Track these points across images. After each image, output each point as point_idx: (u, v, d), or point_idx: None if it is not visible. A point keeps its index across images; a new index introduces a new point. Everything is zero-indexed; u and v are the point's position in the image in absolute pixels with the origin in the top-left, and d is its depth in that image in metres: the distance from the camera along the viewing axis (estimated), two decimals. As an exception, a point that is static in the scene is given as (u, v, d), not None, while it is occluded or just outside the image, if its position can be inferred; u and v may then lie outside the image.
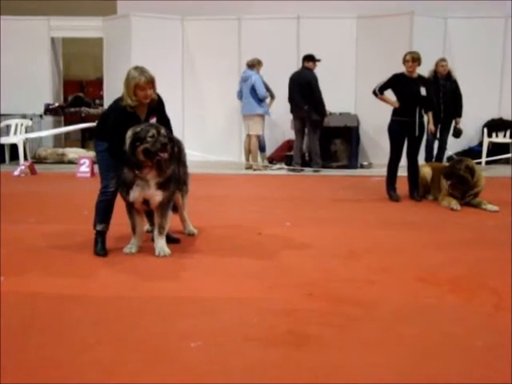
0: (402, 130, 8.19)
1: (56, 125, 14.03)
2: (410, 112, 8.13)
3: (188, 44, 13.02)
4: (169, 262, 5.21)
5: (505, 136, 12.46)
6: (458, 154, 11.73)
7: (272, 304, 4.13)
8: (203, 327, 3.70)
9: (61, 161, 12.60)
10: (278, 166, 12.15)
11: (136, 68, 5.29)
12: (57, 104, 13.85)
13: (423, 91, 8.18)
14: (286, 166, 11.90)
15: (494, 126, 12.51)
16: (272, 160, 12.48)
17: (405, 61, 8.18)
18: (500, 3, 12.28)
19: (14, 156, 12.31)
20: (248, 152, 11.83)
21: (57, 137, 14.14)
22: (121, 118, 5.24)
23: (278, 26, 12.62)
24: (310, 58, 11.28)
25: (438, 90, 10.18)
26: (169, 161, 5.28)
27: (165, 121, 5.44)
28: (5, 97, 13.29)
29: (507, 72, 12.33)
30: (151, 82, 5.22)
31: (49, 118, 13.76)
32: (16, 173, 10.75)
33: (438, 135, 10.54)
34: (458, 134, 10.94)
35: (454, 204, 7.62)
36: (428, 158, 10.80)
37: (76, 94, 14.89)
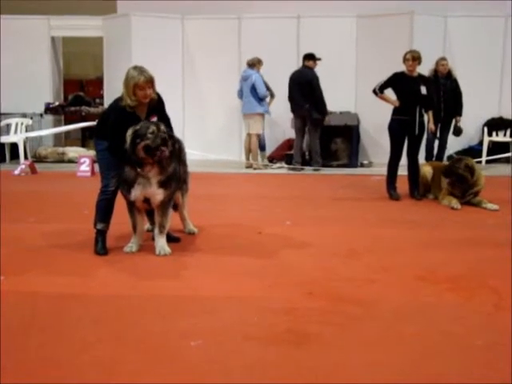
0: (402, 129, 8.19)
1: (56, 124, 14.03)
2: (410, 111, 8.13)
3: (188, 43, 13.02)
4: (169, 261, 5.21)
5: (505, 135, 12.45)
6: (458, 152, 11.74)
7: (272, 303, 4.13)
8: (203, 326, 3.71)
9: (61, 160, 12.60)
10: (278, 164, 12.15)
11: (135, 68, 5.29)
12: (57, 103, 13.85)
13: (423, 90, 8.18)
14: (286, 165, 11.90)
15: (494, 124, 12.50)
16: (272, 159, 12.48)
17: (405, 60, 8.18)
18: (500, 2, 12.27)
19: (15, 155, 12.31)
20: (248, 151, 11.83)
21: (57, 136, 14.13)
22: (121, 117, 5.24)
23: (278, 26, 12.61)
24: (310, 57, 11.28)
25: (438, 88, 10.18)
26: (169, 158, 5.28)
27: (165, 120, 5.45)
28: (5, 96, 13.29)
29: (507, 71, 12.32)
30: (150, 82, 5.22)
31: (49, 117, 13.76)
32: (16, 172, 10.75)
33: (438, 134, 10.54)
34: (458, 132, 10.94)
35: (455, 203, 7.62)
36: (428, 157, 10.80)
37: (76, 93, 14.88)
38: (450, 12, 12.26)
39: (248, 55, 11.82)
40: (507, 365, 3.18)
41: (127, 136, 5.14)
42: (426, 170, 8.43)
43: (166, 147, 5.17)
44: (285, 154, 12.26)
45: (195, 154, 10.88)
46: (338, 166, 11.84)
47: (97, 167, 5.97)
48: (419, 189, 8.34)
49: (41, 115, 13.45)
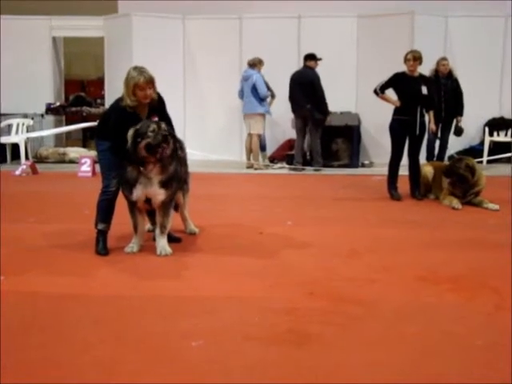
0: (403, 129, 8.19)
1: (57, 124, 14.02)
2: (411, 111, 8.13)
3: (189, 43, 13.01)
4: (170, 261, 5.21)
5: (506, 135, 12.44)
6: (459, 152, 11.72)
7: (273, 303, 4.13)
8: (204, 326, 3.71)
9: (62, 160, 12.59)
10: (279, 165, 12.14)
11: (135, 68, 5.29)
12: (58, 103, 13.85)
13: (424, 90, 8.18)
14: (287, 165, 11.89)
15: (496, 124, 12.48)
16: (273, 159, 12.48)
17: (406, 60, 8.18)
18: (500, 2, 12.25)
19: (16, 155, 12.31)
20: (249, 151, 11.83)
21: (58, 136, 14.13)
22: (121, 117, 5.25)
23: (279, 25, 12.60)
24: (311, 57, 11.28)
25: (439, 88, 10.17)
26: (170, 157, 5.29)
27: (166, 120, 5.44)
28: (6, 96, 13.29)
29: (508, 71, 12.30)
30: (151, 82, 5.22)
31: (50, 118, 13.76)
32: (17, 172, 10.76)
33: (439, 134, 10.53)
34: (459, 132, 10.93)
35: (456, 203, 7.61)
36: (429, 157, 10.79)
37: (77, 93, 14.89)
38: (451, 12, 12.25)
39: (249, 55, 11.82)
40: (507, 365, 3.18)
41: (128, 136, 5.14)
42: (427, 170, 8.43)
43: (167, 144, 5.18)
44: (286, 154, 12.25)
45: (196, 154, 10.87)
46: (339, 166, 11.83)
47: (98, 167, 5.97)
48: (420, 189, 8.33)
49: (42, 115, 13.44)
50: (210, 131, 12.97)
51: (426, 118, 8.44)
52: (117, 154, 5.29)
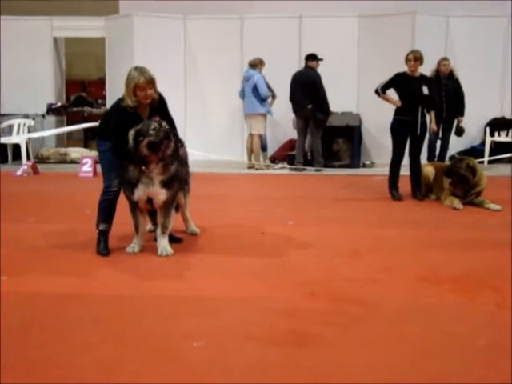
0: (404, 129, 8.19)
1: (58, 124, 14.03)
2: (412, 111, 8.13)
3: (190, 43, 13.02)
4: (171, 262, 5.21)
5: (507, 135, 12.43)
6: (460, 153, 11.71)
7: (274, 303, 4.13)
8: (206, 326, 3.71)
9: (63, 160, 12.60)
10: (280, 165, 12.15)
11: (136, 68, 5.30)
12: (59, 104, 13.86)
13: (425, 90, 8.18)
14: (288, 166, 11.89)
15: (497, 125, 12.48)
16: (274, 159, 12.48)
17: (407, 60, 8.18)
18: (501, 2, 12.26)
19: (17, 156, 12.30)
20: (250, 151, 11.83)
21: (59, 136, 14.13)
22: (122, 118, 5.25)
23: (280, 26, 12.60)
24: (313, 58, 11.28)
25: (440, 89, 10.16)
26: (172, 156, 5.29)
27: (169, 121, 5.43)
28: (7, 97, 13.33)
29: (509, 71, 12.30)
30: (151, 82, 5.22)
31: (51, 118, 13.77)
32: (18, 172, 10.76)
33: (440, 134, 10.53)
34: (460, 133, 10.93)
35: (457, 203, 7.61)
36: (430, 158, 10.78)
37: (78, 93, 14.90)
38: (452, 12, 12.25)
39: (250, 55, 11.83)
40: (507, 365, 3.18)
41: (129, 137, 5.15)
42: (428, 170, 8.42)
43: (169, 141, 5.19)
44: (287, 155, 12.26)
45: (197, 155, 10.87)
46: (340, 166, 11.83)
47: (99, 168, 5.97)
48: (421, 189, 8.33)
49: (43, 116, 13.45)
50: (211, 131, 12.97)
51: (427, 118, 8.44)
52: (118, 155, 5.29)
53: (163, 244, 5.39)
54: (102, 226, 5.49)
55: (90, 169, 10.66)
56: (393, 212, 7.59)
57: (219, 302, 4.17)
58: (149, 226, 5.92)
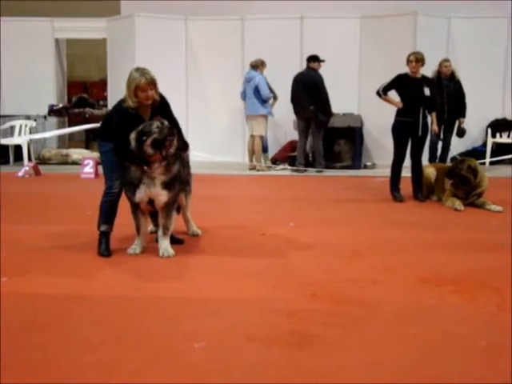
0: (405, 131, 8.18)
1: (60, 126, 14.05)
2: (413, 112, 8.13)
3: (191, 44, 13.02)
4: (172, 263, 5.22)
5: (509, 136, 12.42)
6: (461, 154, 11.69)
7: (275, 304, 4.14)
8: (207, 327, 3.71)
9: (65, 162, 12.61)
10: (281, 166, 12.15)
11: (137, 69, 5.31)
12: (61, 105, 13.87)
13: (427, 91, 8.18)
14: (289, 167, 11.89)
15: (498, 126, 12.47)
16: (275, 161, 12.48)
17: (408, 61, 8.18)
18: (503, 3, 12.26)
19: (18, 157, 12.30)
20: (252, 153, 11.83)
21: (61, 138, 14.15)
22: (124, 119, 5.26)
23: (281, 26, 12.59)
24: (314, 59, 11.28)
25: (441, 90, 10.16)
26: (174, 156, 5.29)
27: (173, 122, 5.43)
28: (9, 98, 13.34)
29: (510, 72, 12.29)
30: (152, 83, 5.22)
31: (53, 119, 13.78)
32: (20, 174, 10.78)
33: (441, 136, 10.53)
34: (461, 134, 10.93)
35: (458, 204, 7.61)
36: (432, 159, 10.78)
37: (80, 94, 14.87)
38: (454, 13, 12.25)
39: (251, 56, 11.83)
40: (507, 365, 3.18)
41: (131, 139, 5.15)
42: (430, 171, 8.42)
43: (173, 137, 5.19)
44: (288, 156, 12.26)
45: (199, 156, 10.88)
46: (342, 167, 11.82)
47: (100, 169, 5.98)
48: (423, 190, 8.33)
49: (44, 117, 13.46)
50: (213, 132, 12.96)
51: (429, 119, 8.44)
52: (120, 155, 5.30)
53: (164, 245, 5.39)
54: (103, 228, 5.50)
55: (91, 170, 10.67)
56: (394, 213, 7.58)
57: (220, 303, 4.17)
58: (150, 227, 5.92)
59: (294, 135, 12.02)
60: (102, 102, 14.78)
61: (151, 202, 5.38)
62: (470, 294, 4.40)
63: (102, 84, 14.98)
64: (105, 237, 5.48)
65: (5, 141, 12.31)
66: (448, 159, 10.96)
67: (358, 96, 12.51)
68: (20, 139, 12.24)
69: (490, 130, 12.34)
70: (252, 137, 11.74)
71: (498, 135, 12.42)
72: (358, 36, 12.57)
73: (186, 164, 5.84)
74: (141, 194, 5.31)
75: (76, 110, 13.93)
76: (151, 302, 4.20)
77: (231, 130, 12.94)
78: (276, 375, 3.10)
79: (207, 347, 3.43)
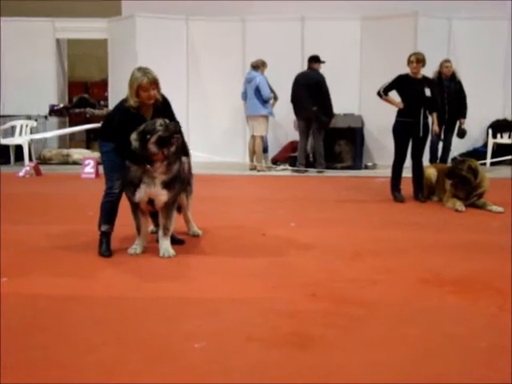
0: (406, 131, 8.19)
1: (61, 126, 14.07)
2: (414, 113, 8.13)
3: (192, 45, 13.02)
4: (173, 263, 5.22)
5: (510, 137, 12.42)
6: (462, 154, 11.68)
7: (275, 304, 4.14)
8: (207, 328, 3.71)
9: (65, 162, 12.62)
10: (281, 167, 12.16)
11: (139, 69, 5.31)
12: (62, 105, 13.88)
13: (428, 92, 8.18)
14: (290, 167, 11.89)
15: (499, 126, 12.47)
16: (276, 161, 12.49)
17: (409, 62, 8.18)
18: (503, 5, 12.26)
19: (19, 157, 12.33)
20: (252, 153, 11.84)
21: (61, 138, 14.17)
22: (125, 118, 5.26)
23: (282, 27, 12.60)
24: (316, 59, 11.28)
25: (442, 91, 10.16)
26: (175, 154, 5.29)
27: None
28: (10, 98, 13.35)
29: (511, 73, 12.29)
30: (154, 83, 5.23)
31: (54, 119, 13.80)
32: (21, 174, 10.78)
33: (442, 136, 10.53)
34: (462, 134, 10.92)
35: (459, 205, 7.61)
36: (432, 159, 10.78)
37: (81, 95, 14.89)
38: (454, 14, 12.25)
39: (252, 57, 11.83)
40: (507, 365, 3.18)
41: (132, 138, 5.15)
42: (431, 172, 8.42)
43: (179, 134, 5.20)
44: (288, 156, 12.26)
45: (199, 156, 10.86)
46: (342, 168, 11.83)
47: (101, 169, 5.98)
48: (423, 191, 8.33)
49: (45, 117, 13.48)
50: (214, 133, 12.97)
51: (430, 119, 8.45)
52: (121, 155, 5.30)
53: (165, 245, 5.40)
54: (104, 228, 5.50)
55: (92, 170, 10.68)
56: (395, 214, 7.58)
57: (221, 303, 4.17)
58: (151, 227, 5.92)
59: (295, 136, 12.03)
60: (102, 102, 14.81)
61: (151, 201, 5.38)
62: (470, 294, 4.40)
63: (103, 84, 15.00)
64: (105, 237, 5.48)
65: (6, 141, 12.33)
66: (449, 160, 10.95)
67: (359, 96, 12.52)
68: (21, 139, 12.25)
69: (490, 131, 12.35)
70: (253, 137, 11.75)
71: (498, 136, 12.42)
72: (359, 37, 12.58)
73: (187, 164, 5.83)
74: (141, 194, 5.31)
75: (77, 110, 13.95)
76: (152, 303, 4.20)
77: (232, 130, 12.94)
78: (276, 375, 3.10)
79: (208, 347, 3.43)
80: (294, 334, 3.62)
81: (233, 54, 12.74)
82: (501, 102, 12.49)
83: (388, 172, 8.69)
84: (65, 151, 12.99)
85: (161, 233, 5.44)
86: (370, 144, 12.58)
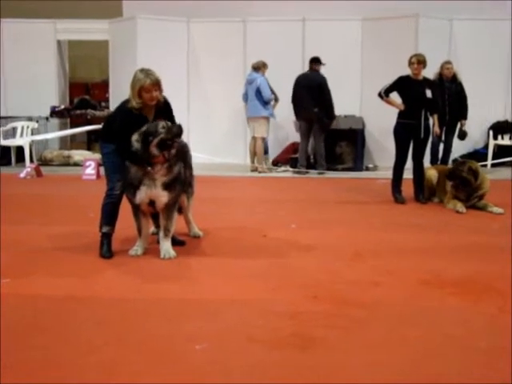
0: (407, 133, 8.19)
1: (62, 127, 14.07)
2: (415, 114, 8.13)
3: (193, 46, 13.03)
4: (174, 264, 5.22)
5: (510, 138, 12.42)
6: (463, 156, 11.70)
7: (276, 306, 4.14)
8: (208, 329, 3.71)
9: (66, 163, 12.63)
10: (282, 168, 12.16)
11: (142, 70, 5.31)
12: (63, 106, 13.89)
13: (429, 93, 8.18)
14: (290, 169, 11.90)
15: (500, 128, 12.47)
16: (277, 163, 12.49)
17: (410, 63, 8.18)
18: (505, 5, 12.26)
19: (20, 158, 12.35)
20: (253, 154, 11.84)
21: (63, 139, 14.17)
22: (127, 119, 5.26)
23: (283, 28, 12.61)
24: (317, 61, 11.29)
25: (443, 92, 10.16)
26: (175, 156, 5.30)
27: None
28: (11, 99, 13.37)
29: (512, 74, 12.33)
30: (157, 84, 5.23)
31: (55, 121, 13.81)
32: (22, 175, 10.79)
33: (443, 138, 10.53)
34: (462, 136, 10.91)
35: (460, 207, 7.61)
36: (433, 161, 10.78)
37: (82, 96, 14.92)
38: (455, 15, 12.26)
39: (253, 58, 11.83)
40: (507, 365, 3.18)
41: (133, 140, 5.15)
42: (431, 173, 8.42)
43: (179, 138, 5.23)
44: (289, 158, 12.26)
45: (200, 158, 10.87)
46: (343, 169, 11.84)
47: (102, 170, 5.99)
48: (424, 192, 8.33)
49: (46, 118, 13.49)
50: (214, 134, 12.97)
51: (431, 121, 8.45)
52: (122, 156, 5.30)
53: (166, 247, 5.40)
54: (105, 229, 5.50)
55: (93, 171, 10.68)
56: (395, 215, 7.58)
57: (222, 305, 4.18)
58: (152, 228, 5.93)
59: (296, 137, 12.03)
60: (103, 104, 14.81)
61: (152, 203, 5.38)
62: (470, 296, 4.40)
63: (104, 85, 15.02)
64: (106, 238, 5.49)
65: (7, 142, 12.35)
66: (449, 161, 10.95)
67: (360, 98, 12.52)
68: (22, 140, 12.26)
69: (491, 132, 12.35)
70: (253, 138, 11.74)
71: (499, 137, 12.42)
72: (360, 38, 12.58)
73: (188, 166, 5.85)
74: (141, 195, 5.31)
75: (78, 112, 13.96)
76: (153, 304, 4.20)
77: (233, 131, 12.94)
78: (277, 376, 3.11)
79: (209, 349, 3.43)
80: (294, 335, 3.62)
81: (233, 55, 12.75)
82: (502, 104, 12.49)
83: (389, 173, 8.69)
84: (66, 152, 13.00)
85: (162, 234, 5.44)
86: (371, 145, 12.58)
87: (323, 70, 11.28)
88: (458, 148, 11.62)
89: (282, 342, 3.53)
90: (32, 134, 12.59)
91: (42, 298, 4.32)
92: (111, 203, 5.47)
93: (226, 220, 7.14)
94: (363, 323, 3.84)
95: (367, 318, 3.93)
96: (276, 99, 11.71)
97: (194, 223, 6.24)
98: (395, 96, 8.41)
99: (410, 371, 3.17)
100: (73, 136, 14.52)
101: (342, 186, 10.06)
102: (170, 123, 5.27)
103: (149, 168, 5.22)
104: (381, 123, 11.29)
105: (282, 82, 11.60)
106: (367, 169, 12.04)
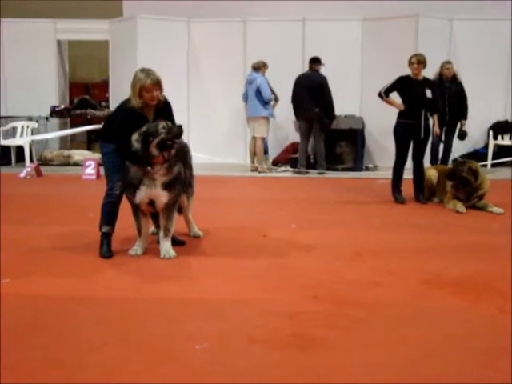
0: (407, 133, 8.19)
1: (62, 127, 14.07)
2: (415, 114, 8.13)
3: (193, 46, 13.03)
4: (174, 264, 5.22)
5: (510, 138, 12.42)
6: (463, 156, 11.70)
7: (276, 306, 4.14)
8: (208, 329, 3.71)
9: (66, 163, 12.63)
10: (282, 168, 12.16)
11: (142, 70, 5.31)
12: (63, 106, 13.89)
13: (429, 93, 8.18)
14: (290, 169, 11.90)
15: (500, 128, 12.47)
16: (277, 163, 12.49)
17: (410, 63, 8.19)
18: (505, 5, 12.26)
19: (20, 158, 12.35)
20: (253, 154, 11.84)
21: (63, 139, 14.17)
22: (128, 118, 5.26)
23: (283, 29, 12.61)
24: (317, 61, 11.29)
25: (443, 92, 10.16)
26: (175, 156, 5.30)
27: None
28: (11, 99, 13.37)
29: (513, 74, 12.32)
30: (157, 84, 5.24)
31: (55, 120, 13.81)
32: (22, 175, 10.79)
33: (443, 138, 10.53)
34: (462, 136, 10.91)
35: (460, 207, 7.61)
36: (433, 161, 10.78)
37: (82, 96, 14.91)
38: (455, 15, 12.26)
39: (253, 58, 11.83)
40: (507, 365, 3.18)
41: (133, 140, 5.15)
42: (431, 173, 8.42)
43: (179, 138, 5.23)
44: (289, 158, 12.26)
45: (200, 158, 10.86)
46: (343, 169, 11.84)
47: (102, 170, 5.99)
48: (424, 192, 8.33)
49: (46, 118, 13.49)
50: (214, 134, 12.97)
51: (431, 121, 8.45)
52: (122, 155, 5.30)
53: (166, 246, 5.40)
54: (105, 229, 5.50)
55: (93, 171, 10.68)
56: (395, 215, 7.58)
57: (222, 305, 4.18)
58: (152, 228, 5.93)
59: (296, 137, 12.03)
60: (103, 104, 14.81)
61: (152, 203, 5.38)
62: (470, 296, 4.40)
63: (104, 85, 15.03)
64: (106, 238, 5.49)
65: (7, 142, 12.35)
66: (450, 161, 10.95)
67: (360, 98, 12.52)
68: (22, 140, 12.27)
69: (491, 132, 12.35)
70: (253, 138, 11.74)
71: (499, 137, 12.43)
72: (360, 38, 12.59)
73: (188, 166, 5.85)
74: (141, 195, 5.31)
75: (78, 112, 13.95)
76: (153, 304, 4.20)
77: (233, 131, 12.94)
78: (278, 376, 3.11)
79: (209, 349, 3.43)
80: (294, 335, 3.62)
81: (233, 55, 12.75)
82: (502, 104, 12.49)
83: (389, 173, 8.69)
84: (66, 152, 13.00)
85: (162, 234, 5.44)
86: (371, 145, 12.58)
87: (323, 70, 11.29)
88: (458, 148, 11.62)
89: (282, 342, 3.53)
90: (32, 133, 12.60)
91: (42, 297, 4.32)
92: (111, 203, 5.47)
93: (226, 220, 7.14)
94: (363, 323, 3.84)
95: (367, 318, 3.93)
96: (276, 99, 11.71)
97: (193, 223, 6.24)
98: (395, 96, 8.41)
99: (410, 371, 3.17)
100: (73, 136, 14.53)
101: (342, 185, 10.06)
102: (170, 123, 5.27)
103: (149, 168, 5.23)
104: (381, 123, 11.29)
105: (282, 82, 11.60)
106: (367, 169, 12.04)
